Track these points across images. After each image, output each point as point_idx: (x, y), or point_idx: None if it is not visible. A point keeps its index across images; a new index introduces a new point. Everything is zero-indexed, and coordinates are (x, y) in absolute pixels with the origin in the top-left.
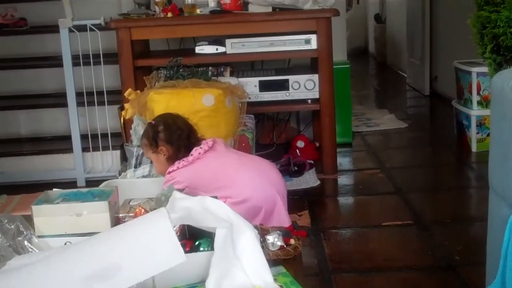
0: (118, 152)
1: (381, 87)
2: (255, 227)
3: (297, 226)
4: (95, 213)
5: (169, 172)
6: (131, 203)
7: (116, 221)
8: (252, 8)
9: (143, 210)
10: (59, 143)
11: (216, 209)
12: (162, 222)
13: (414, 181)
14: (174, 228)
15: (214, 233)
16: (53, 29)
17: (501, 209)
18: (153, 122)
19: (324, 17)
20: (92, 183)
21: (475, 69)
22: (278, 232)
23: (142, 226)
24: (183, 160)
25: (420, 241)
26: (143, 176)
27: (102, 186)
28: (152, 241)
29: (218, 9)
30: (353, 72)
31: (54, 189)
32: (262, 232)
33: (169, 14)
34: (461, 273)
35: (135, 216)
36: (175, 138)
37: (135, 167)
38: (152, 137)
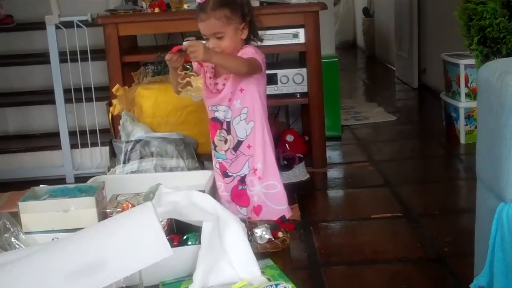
0: (106, 148)
1: (370, 80)
2: (243, 220)
3: (285, 219)
4: (82, 208)
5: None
6: (118, 199)
7: (103, 217)
8: None
9: (130, 205)
10: (47, 140)
11: (203, 202)
12: (148, 216)
13: (403, 174)
14: (162, 223)
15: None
16: (40, 26)
17: (488, 200)
18: None
19: (311, 11)
20: (81, 179)
21: (463, 61)
22: (266, 225)
23: (127, 221)
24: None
25: (409, 233)
26: (132, 172)
27: (89, 182)
28: (138, 235)
29: None
30: (342, 65)
31: (41, 186)
32: (250, 225)
33: (156, 10)
34: (450, 265)
35: (122, 211)
36: (255, 24)
37: (124, 163)
38: (240, 7)
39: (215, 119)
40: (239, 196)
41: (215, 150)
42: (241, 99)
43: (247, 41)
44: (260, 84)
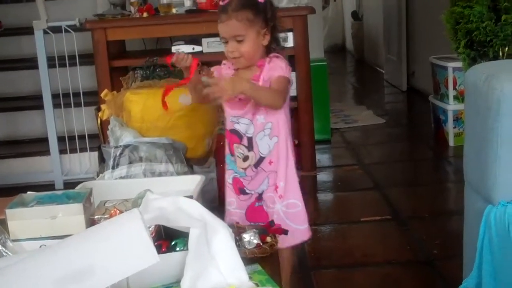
0: (95, 153)
1: (359, 83)
2: (231, 226)
3: (273, 224)
4: (70, 215)
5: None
6: (106, 205)
7: (91, 223)
8: None
9: (118, 212)
10: (36, 145)
11: (190, 209)
12: (134, 222)
13: (392, 177)
14: (150, 229)
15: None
16: (28, 31)
17: (476, 203)
18: None
19: (300, 15)
20: (70, 185)
21: (451, 64)
22: (254, 230)
23: (114, 227)
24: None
25: (399, 236)
26: (121, 177)
27: (78, 188)
28: (124, 242)
29: (194, 8)
30: (331, 69)
31: (28, 192)
32: (238, 230)
33: (145, 14)
34: (439, 267)
35: (110, 217)
36: (277, 31)
37: (113, 168)
38: (263, 12)
39: (234, 131)
40: (255, 213)
41: (234, 164)
42: (265, 114)
43: (268, 48)
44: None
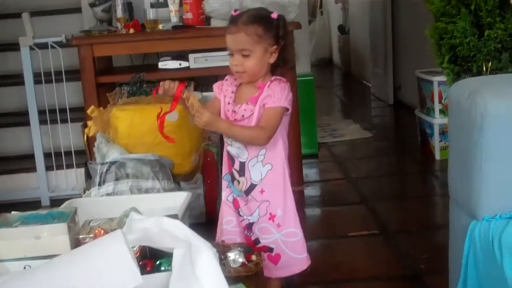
0: (82, 170)
1: (346, 97)
2: (216, 244)
3: (259, 242)
4: (54, 235)
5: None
6: (91, 224)
7: (76, 243)
8: (214, 23)
9: (102, 231)
10: (22, 162)
11: (174, 229)
12: (117, 244)
13: (379, 191)
14: (134, 249)
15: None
16: (14, 47)
17: (461, 218)
18: (277, 14)
19: None
20: (57, 202)
21: (436, 78)
22: (239, 248)
23: (97, 249)
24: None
25: (386, 250)
26: (108, 194)
27: (63, 206)
28: (107, 264)
29: (181, 24)
30: (318, 82)
31: (12, 212)
32: (224, 249)
33: (131, 30)
34: (426, 282)
35: (95, 237)
36: (287, 51)
37: (99, 185)
38: (275, 29)
39: (228, 153)
40: (246, 239)
41: (232, 183)
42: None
43: (274, 67)
44: (283, 123)
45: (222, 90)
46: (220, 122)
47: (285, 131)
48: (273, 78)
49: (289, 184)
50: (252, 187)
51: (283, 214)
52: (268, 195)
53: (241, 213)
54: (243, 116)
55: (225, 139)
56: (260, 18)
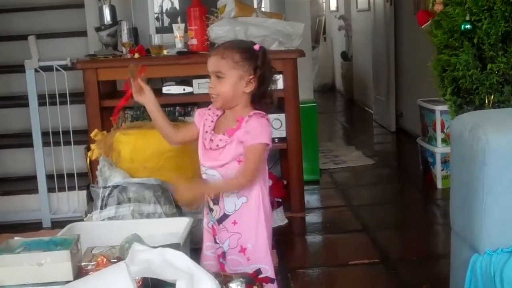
0: (84, 192)
1: (349, 123)
2: (217, 274)
3: (260, 273)
4: (57, 262)
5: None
6: (93, 251)
7: (78, 270)
8: None
9: (105, 260)
10: (24, 183)
11: (176, 260)
12: (120, 276)
13: (381, 219)
14: (136, 279)
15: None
16: (19, 69)
17: (462, 251)
18: (259, 46)
19: (289, 58)
20: (58, 224)
21: (438, 108)
22: (241, 279)
23: (101, 281)
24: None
25: (387, 279)
26: (109, 218)
27: (65, 229)
28: None
29: (185, 50)
30: (321, 108)
31: (15, 238)
32: (225, 279)
33: (136, 55)
34: None
35: (97, 265)
36: (267, 86)
37: (101, 208)
38: (254, 59)
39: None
40: (221, 267)
41: (210, 211)
42: (237, 172)
43: (253, 99)
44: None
45: (203, 119)
46: (203, 187)
47: (265, 165)
48: (252, 113)
49: (263, 220)
50: (225, 216)
51: (252, 249)
52: (240, 228)
53: (217, 240)
54: (217, 145)
55: (201, 166)
56: (240, 46)
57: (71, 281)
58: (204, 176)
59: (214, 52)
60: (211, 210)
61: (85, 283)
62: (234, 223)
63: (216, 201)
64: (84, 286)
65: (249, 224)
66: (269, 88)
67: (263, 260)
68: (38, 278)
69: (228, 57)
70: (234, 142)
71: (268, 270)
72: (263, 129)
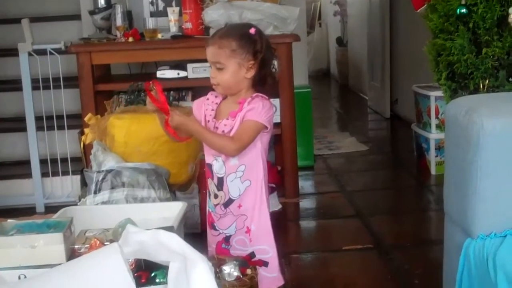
0: (78, 177)
1: (343, 109)
2: (211, 257)
3: (254, 256)
4: (50, 245)
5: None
6: (86, 234)
7: (71, 253)
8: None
9: (98, 242)
10: (17, 168)
11: (170, 242)
12: (113, 257)
13: (375, 204)
14: (129, 261)
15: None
16: (13, 52)
17: (456, 235)
18: (255, 29)
19: (284, 43)
20: (52, 208)
21: (433, 93)
22: (235, 262)
23: (94, 261)
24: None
25: (380, 265)
26: (103, 202)
27: (59, 213)
28: (104, 276)
29: (180, 34)
30: (315, 94)
31: (8, 220)
32: (219, 262)
33: (130, 39)
34: None
35: (91, 248)
36: (268, 67)
37: (95, 193)
38: (252, 44)
39: (209, 166)
40: (223, 254)
41: (209, 197)
42: (239, 156)
43: (255, 82)
44: (264, 141)
45: (202, 109)
46: (193, 123)
47: (265, 152)
48: (254, 95)
49: (265, 201)
50: (230, 201)
51: (256, 230)
52: (245, 210)
53: (216, 227)
54: (223, 131)
55: (211, 152)
56: (236, 33)
57: None
58: (214, 162)
59: (211, 42)
60: (215, 196)
61: (78, 264)
62: (239, 206)
63: (219, 187)
64: (77, 267)
65: (253, 207)
66: (271, 69)
67: (264, 241)
68: (31, 261)
69: (225, 47)
70: (237, 122)
71: (270, 252)
72: (264, 110)
